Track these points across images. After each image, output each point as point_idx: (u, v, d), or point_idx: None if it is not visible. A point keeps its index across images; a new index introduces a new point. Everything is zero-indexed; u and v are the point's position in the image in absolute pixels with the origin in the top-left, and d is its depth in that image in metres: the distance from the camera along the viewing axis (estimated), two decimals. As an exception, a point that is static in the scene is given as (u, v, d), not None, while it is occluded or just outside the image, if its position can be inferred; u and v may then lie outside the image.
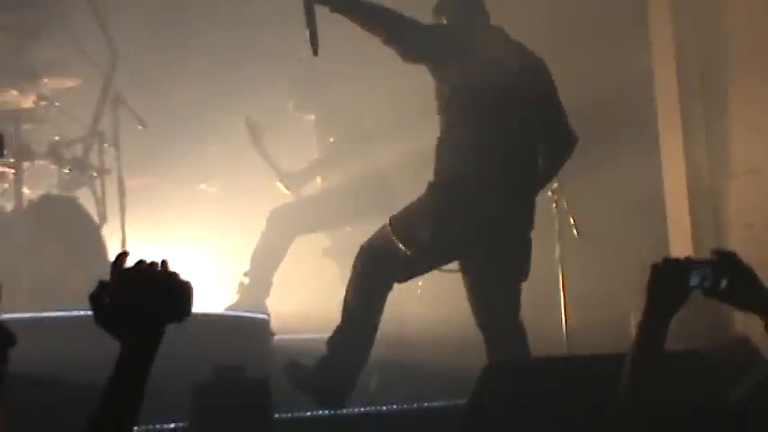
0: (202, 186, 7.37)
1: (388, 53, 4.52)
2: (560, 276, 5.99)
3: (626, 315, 5.67)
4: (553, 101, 4.68)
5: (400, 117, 6.46)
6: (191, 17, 7.38)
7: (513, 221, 4.56)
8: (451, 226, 4.48)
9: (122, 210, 6.26)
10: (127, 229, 6.23)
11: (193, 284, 1.90)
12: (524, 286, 4.66)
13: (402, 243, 4.45)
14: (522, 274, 4.62)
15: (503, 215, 4.49)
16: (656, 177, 6.72)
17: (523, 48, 4.68)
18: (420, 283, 6.32)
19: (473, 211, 4.46)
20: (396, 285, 4.59)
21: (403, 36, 4.46)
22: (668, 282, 2.51)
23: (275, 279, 6.25)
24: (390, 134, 6.58)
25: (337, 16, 4.39)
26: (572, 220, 6.07)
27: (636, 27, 6.89)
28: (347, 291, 4.56)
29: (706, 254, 2.63)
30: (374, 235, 4.60)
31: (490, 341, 4.57)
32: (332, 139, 6.58)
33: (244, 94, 6.95)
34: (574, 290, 6.06)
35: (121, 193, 6.30)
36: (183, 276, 1.90)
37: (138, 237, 6.26)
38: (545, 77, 4.68)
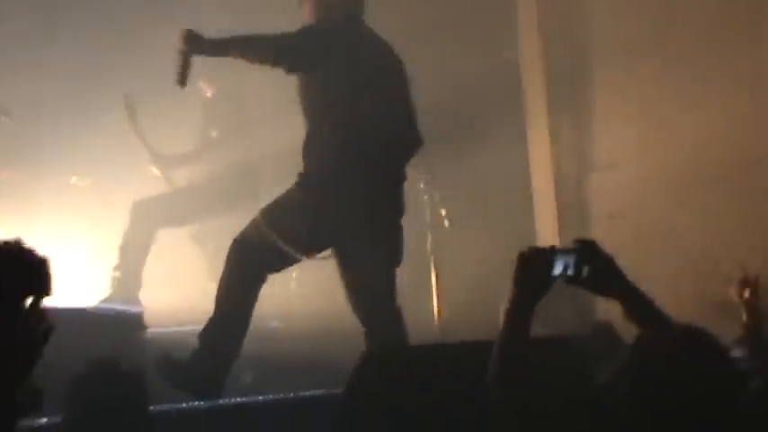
0: (73, 180, 7.21)
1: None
2: (432, 266, 6.09)
3: (496, 303, 5.78)
4: (405, 103, 4.77)
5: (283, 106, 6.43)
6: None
7: (382, 208, 4.64)
8: (321, 214, 4.53)
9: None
10: (-7, 226, 6.05)
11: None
12: (398, 277, 4.73)
13: (273, 233, 4.48)
14: (395, 259, 4.69)
15: (370, 202, 4.56)
16: (524, 168, 6.86)
17: (386, 48, 4.77)
18: (294, 275, 6.34)
19: (341, 200, 4.53)
20: (270, 277, 4.62)
21: (286, 56, 4.54)
22: (533, 270, 2.61)
23: (147, 271, 6.18)
24: (268, 125, 6.55)
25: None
26: (443, 212, 6.18)
27: (505, 16, 6.97)
28: (220, 283, 4.56)
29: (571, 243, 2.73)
30: (246, 227, 4.63)
31: (368, 328, 4.63)
32: (214, 134, 6.54)
33: (118, 82, 6.79)
34: (446, 279, 6.16)
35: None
36: (41, 253, 1.87)
37: (5, 234, 6.09)
38: (401, 80, 4.77)
